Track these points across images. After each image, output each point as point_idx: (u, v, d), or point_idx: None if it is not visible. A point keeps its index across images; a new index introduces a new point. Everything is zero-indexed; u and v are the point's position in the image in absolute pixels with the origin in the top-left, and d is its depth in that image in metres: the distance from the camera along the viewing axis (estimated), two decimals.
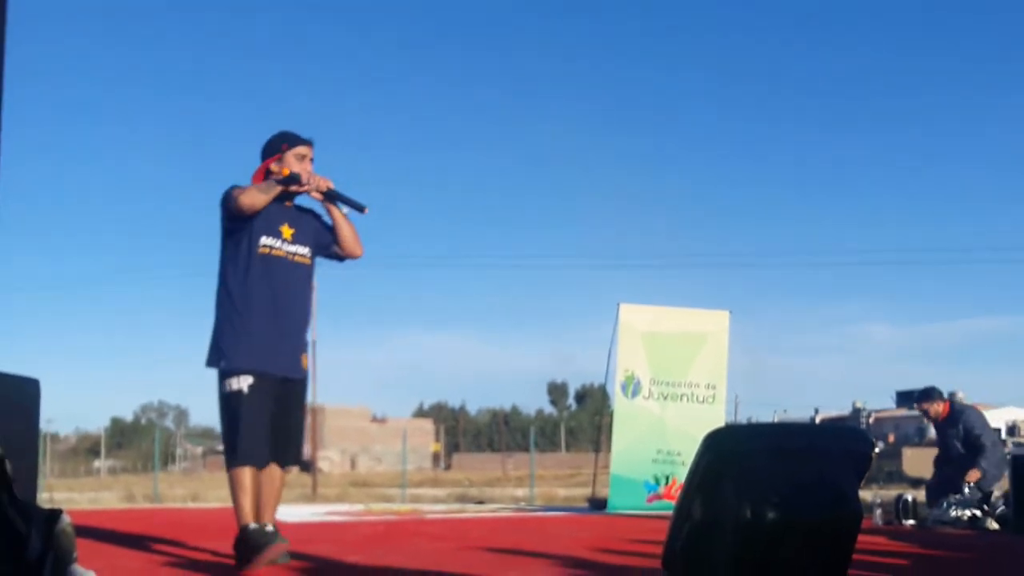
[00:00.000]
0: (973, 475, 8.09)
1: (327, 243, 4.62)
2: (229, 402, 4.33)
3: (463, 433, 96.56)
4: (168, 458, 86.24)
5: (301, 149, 4.51)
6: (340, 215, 4.55)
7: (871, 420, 69.29)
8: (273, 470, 4.40)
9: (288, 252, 4.48)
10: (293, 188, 4.44)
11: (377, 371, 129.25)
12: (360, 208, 4.54)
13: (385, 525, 7.65)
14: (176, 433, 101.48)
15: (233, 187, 4.39)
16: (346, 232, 4.59)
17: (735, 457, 2.70)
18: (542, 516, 9.14)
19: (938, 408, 8.82)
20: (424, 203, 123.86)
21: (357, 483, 37.36)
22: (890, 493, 9.15)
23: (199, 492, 19.08)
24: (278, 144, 4.52)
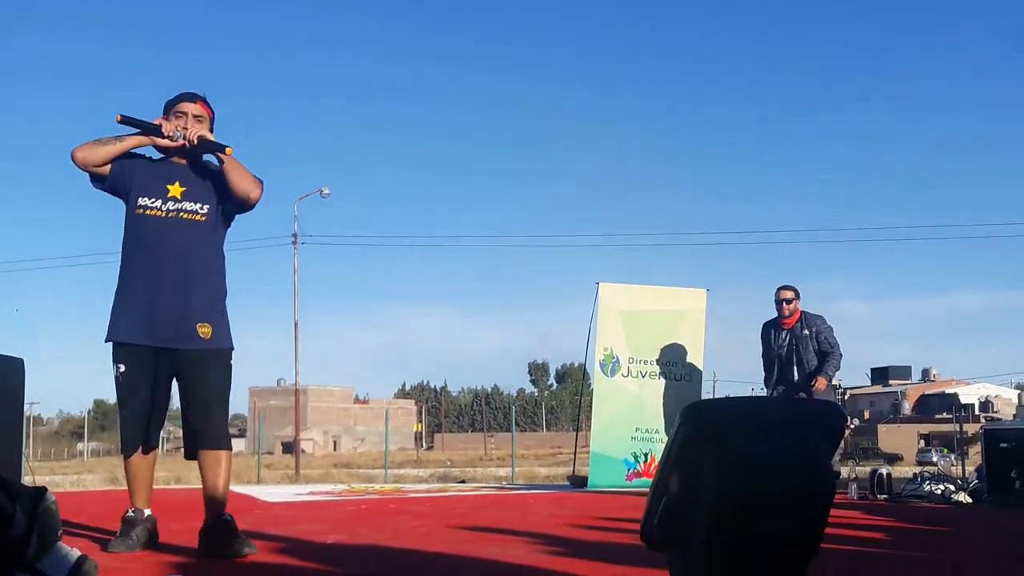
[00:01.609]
0: (821, 383, 7.89)
1: (223, 196, 4.29)
2: (115, 385, 4.23)
3: (445, 413, 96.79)
4: None
5: (181, 106, 4.26)
6: (227, 160, 4.22)
7: (846, 397, 69.86)
8: (205, 455, 4.20)
9: (172, 210, 4.18)
10: (156, 139, 4.18)
11: (360, 352, 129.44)
12: (221, 148, 4.21)
13: (367, 504, 7.70)
14: None
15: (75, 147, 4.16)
16: (232, 175, 4.21)
17: (711, 430, 2.74)
18: (523, 494, 9.21)
19: (798, 305, 8.32)
20: (406, 184, 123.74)
21: (340, 464, 37.51)
22: (866, 469, 9.20)
23: (182, 474, 19.06)
24: (174, 102, 4.31)
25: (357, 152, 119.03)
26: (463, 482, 14.19)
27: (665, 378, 9.55)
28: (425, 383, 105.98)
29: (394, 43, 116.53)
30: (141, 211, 4.16)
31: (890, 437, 52.96)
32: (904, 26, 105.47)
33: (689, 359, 9.61)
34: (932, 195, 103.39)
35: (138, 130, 4.17)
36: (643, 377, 9.63)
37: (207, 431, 4.20)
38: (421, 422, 77.58)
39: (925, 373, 71.46)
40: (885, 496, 7.68)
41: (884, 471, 8.03)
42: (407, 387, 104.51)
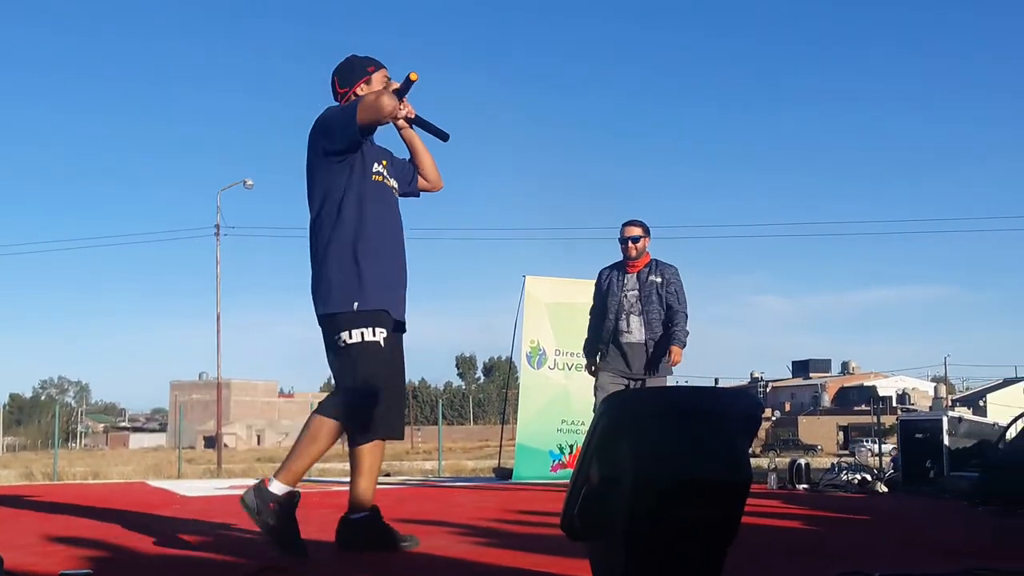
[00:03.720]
0: (678, 355, 6.55)
1: (409, 178, 4.20)
2: (362, 355, 3.81)
3: None
4: (69, 435, 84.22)
5: (386, 72, 4.02)
6: (422, 143, 4.16)
7: (768, 389, 71.13)
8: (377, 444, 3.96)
9: (392, 184, 4.08)
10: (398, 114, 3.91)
11: (285, 346, 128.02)
12: (444, 136, 4.07)
13: None
14: (77, 409, 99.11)
15: (350, 104, 3.86)
16: (429, 160, 4.20)
17: (630, 419, 2.75)
18: (448, 487, 9.18)
19: (647, 245, 6.79)
20: None
21: (264, 458, 37.03)
22: (786, 459, 9.36)
23: (100, 469, 18.69)
24: (363, 67, 4.02)
25: (281, 142, 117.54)
26: (388, 475, 14.12)
27: None
28: None
29: (323, 31, 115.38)
30: (380, 178, 3.99)
31: (810, 428, 54.00)
32: (817, 22, 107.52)
33: None
34: (852, 191, 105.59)
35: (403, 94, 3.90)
36: (570, 369, 9.68)
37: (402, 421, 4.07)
38: None
39: (844, 366, 72.99)
40: (804, 486, 7.81)
41: (802, 461, 8.17)
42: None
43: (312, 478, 11.06)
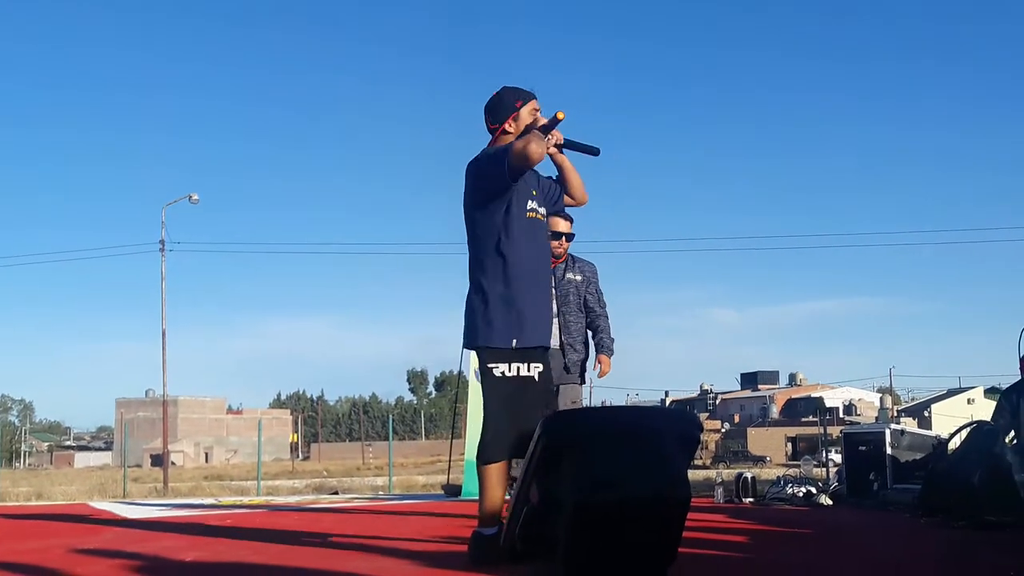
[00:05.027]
0: (607, 365, 6.14)
1: (556, 198, 4.37)
2: (519, 388, 4.01)
3: (322, 423, 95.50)
4: (13, 454, 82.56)
5: (534, 103, 4.22)
6: (571, 166, 4.32)
7: (718, 401, 71.70)
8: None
9: (541, 214, 4.26)
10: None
11: (233, 362, 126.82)
12: (595, 151, 4.26)
13: (232, 519, 7.50)
14: (21, 428, 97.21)
15: (504, 146, 4.06)
16: (578, 181, 4.35)
17: (569, 441, 2.75)
18: (396, 504, 9.12)
19: (570, 227, 6.14)
20: (280, 190, 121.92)
21: (211, 476, 36.63)
22: (733, 473, 9.41)
23: (43, 489, 18.32)
24: (511, 101, 4.22)
25: (227, 158, 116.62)
26: (336, 493, 14.01)
27: None
28: (301, 392, 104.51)
29: (266, 45, 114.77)
30: (533, 214, 4.18)
31: (759, 440, 54.46)
32: (765, 30, 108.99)
33: None
34: (800, 204, 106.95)
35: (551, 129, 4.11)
36: None
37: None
38: (297, 432, 76.35)
39: (792, 378, 73.76)
40: (750, 499, 7.85)
41: (749, 475, 8.21)
42: (282, 396, 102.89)
43: (256, 505, 10.98)
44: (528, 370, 4.07)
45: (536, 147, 3.94)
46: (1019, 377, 8.62)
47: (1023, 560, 3.97)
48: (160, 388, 29.64)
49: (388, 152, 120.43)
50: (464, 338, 4.18)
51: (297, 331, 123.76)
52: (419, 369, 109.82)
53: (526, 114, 4.19)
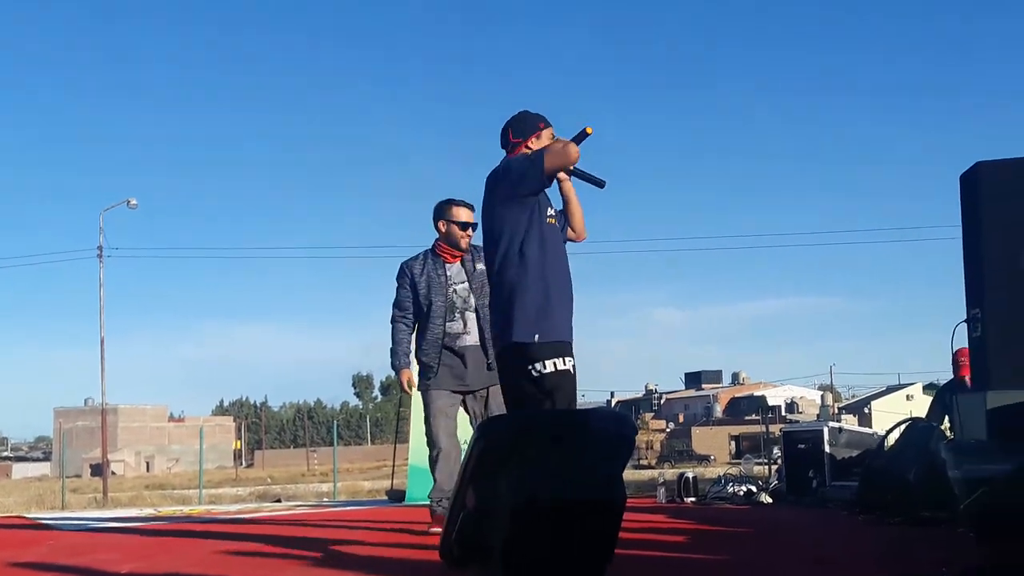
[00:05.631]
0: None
1: (561, 227, 4.41)
2: (559, 382, 3.98)
3: (266, 429, 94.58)
4: None
5: (552, 129, 4.32)
6: (576, 197, 4.40)
7: (663, 401, 72.24)
8: None
9: (560, 223, 4.35)
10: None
11: (174, 369, 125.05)
12: (602, 183, 4.33)
13: (173, 529, 7.39)
14: None
15: (535, 152, 4.17)
16: (580, 214, 4.44)
17: (505, 445, 2.74)
18: (339, 511, 9.05)
19: (472, 216, 5.79)
20: (220, 195, 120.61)
21: (153, 485, 36.08)
22: (675, 472, 9.48)
23: None
24: (534, 123, 4.33)
25: (167, 162, 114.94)
26: (279, 500, 13.87)
27: None
28: (244, 399, 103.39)
29: (207, 48, 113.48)
30: (552, 220, 4.26)
31: (703, 439, 54.89)
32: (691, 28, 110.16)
33: None
34: (743, 205, 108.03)
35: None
36: None
37: None
38: (240, 439, 75.51)
39: (735, 377, 74.52)
40: (692, 499, 7.91)
41: (690, 474, 8.28)
42: (225, 403, 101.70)
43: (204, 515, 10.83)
44: (564, 364, 4.06)
45: (574, 147, 4.11)
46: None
47: (957, 555, 4.04)
48: (99, 396, 29.12)
49: (332, 151, 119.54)
50: (508, 332, 4.09)
51: (240, 337, 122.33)
52: (365, 374, 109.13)
53: (547, 137, 4.30)
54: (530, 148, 4.26)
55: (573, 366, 4.08)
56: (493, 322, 4.29)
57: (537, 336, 4.04)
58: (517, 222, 4.18)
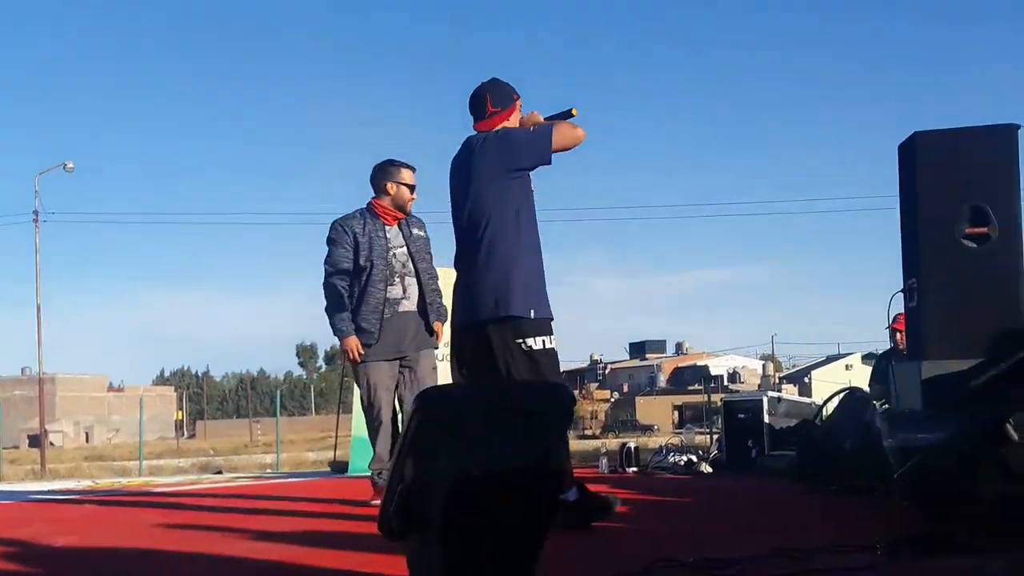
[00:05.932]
0: (443, 333, 5.75)
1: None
2: (547, 359, 4.12)
3: (208, 399, 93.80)
4: None
5: (521, 100, 4.41)
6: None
7: (607, 371, 72.75)
8: None
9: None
10: None
11: (114, 338, 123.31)
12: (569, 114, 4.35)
13: (110, 501, 7.31)
14: None
15: (542, 129, 4.19)
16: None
17: (443, 416, 2.72)
18: (281, 483, 9.01)
19: (410, 198, 5.72)
20: (162, 158, 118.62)
21: (92, 456, 35.61)
22: (617, 443, 9.55)
23: None
24: (510, 94, 4.38)
25: (106, 123, 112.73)
26: (220, 472, 13.76)
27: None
28: (186, 368, 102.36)
29: (152, 9, 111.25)
30: (534, 190, 4.28)
31: (647, 409, 55.41)
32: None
33: (447, 339, 9.60)
34: (683, 172, 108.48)
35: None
36: None
37: None
38: (182, 409, 74.77)
39: (679, 347, 75.21)
40: (633, 469, 7.98)
41: (632, 444, 8.35)
42: (166, 373, 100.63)
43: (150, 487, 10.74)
44: (551, 343, 4.19)
45: (582, 131, 4.19)
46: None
47: (891, 523, 4.11)
48: (36, 366, 28.62)
49: (278, 113, 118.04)
50: (504, 304, 4.11)
51: (181, 305, 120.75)
52: (308, 343, 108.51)
53: (518, 109, 4.37)
54: (508, 122, 4.30)
55: (556, 345, 4.17)
56: (478, 292, 4.18)
57: (533, 312, 4.11)
58: (511, 194, 4.20)
